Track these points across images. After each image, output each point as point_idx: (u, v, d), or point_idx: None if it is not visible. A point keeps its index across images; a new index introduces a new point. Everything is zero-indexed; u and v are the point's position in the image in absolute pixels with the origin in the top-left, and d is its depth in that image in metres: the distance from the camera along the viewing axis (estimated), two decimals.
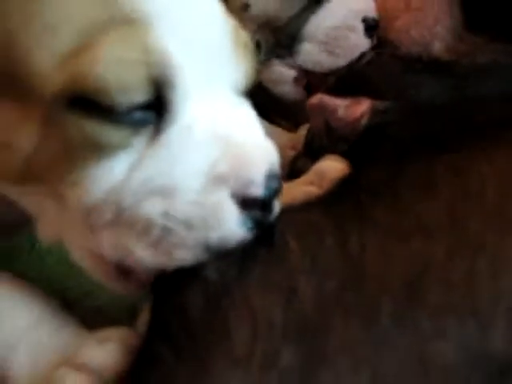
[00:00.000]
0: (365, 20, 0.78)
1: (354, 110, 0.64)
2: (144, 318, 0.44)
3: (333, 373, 0.32)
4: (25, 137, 0.39)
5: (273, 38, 0.76)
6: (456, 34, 0.87)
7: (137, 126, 0.38)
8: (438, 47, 0.82)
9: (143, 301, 0.48)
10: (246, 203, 0.40)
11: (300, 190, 0.51)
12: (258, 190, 0.40)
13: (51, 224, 0.45)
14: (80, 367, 0.43)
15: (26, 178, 0.41)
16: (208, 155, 0.39)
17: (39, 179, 0.41)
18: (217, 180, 0.39)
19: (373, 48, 0.80)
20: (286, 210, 0.42)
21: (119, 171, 0.39)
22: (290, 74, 0.79)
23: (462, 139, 0.49)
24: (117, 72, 0.36)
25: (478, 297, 0.32)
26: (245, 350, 0.32)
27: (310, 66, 0.77)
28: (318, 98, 0.66)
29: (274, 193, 0.41)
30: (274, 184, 0.41)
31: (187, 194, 0.39)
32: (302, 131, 0.75)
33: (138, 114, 0.38)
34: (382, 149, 0.56)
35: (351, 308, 0.32)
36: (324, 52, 0.76)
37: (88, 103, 0.37)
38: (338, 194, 0.47)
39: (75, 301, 0.57)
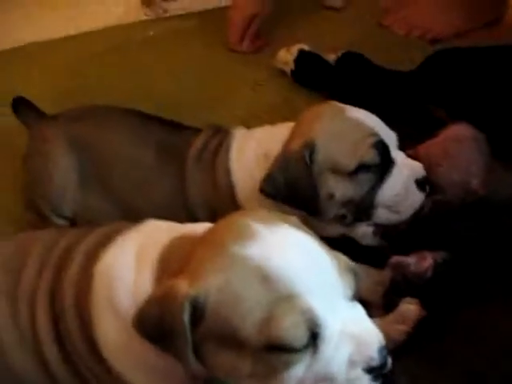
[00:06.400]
0: (417, 180, 1.02)
1: (421, 264, 0.91)
2: None
3: None
4: (244, 366, 0.64)
5: (353, 210, 1.02)
6: (487, 167, 1.08)
7: (304, 348, 0.64)
8: (474, 184, 1.06)
9: None
10: (371, 370, 0.66)
11: (392, 328, 0.79)
12: (376, 362, 0.64)
13: None
14: None
15: (248, 381, 0.66)
16: (345, 352, 0.64)
17: (256, 381, 0.68)
18: (353, 364, 0.64)
19: (428, 194, 1.03)
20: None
21: (299, 373, 0.64)
22: (369, 229, 1.09)
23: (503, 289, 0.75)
24: (291, 330, 0.61)
25: None
26: None
27: (382, 222, 1.05)
28: (396, 259, 0.94)
29: (386, 358, 0.67)
30: (384, 353, 0.66)
31: (340, 377, 0.64)
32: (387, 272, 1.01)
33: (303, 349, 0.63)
34: (446, 295, 0.84)
35: None
36: (391, 212, 1.03)
37: (277, 347, 0.62)
38: (421, 339, 0.75)
39: None
